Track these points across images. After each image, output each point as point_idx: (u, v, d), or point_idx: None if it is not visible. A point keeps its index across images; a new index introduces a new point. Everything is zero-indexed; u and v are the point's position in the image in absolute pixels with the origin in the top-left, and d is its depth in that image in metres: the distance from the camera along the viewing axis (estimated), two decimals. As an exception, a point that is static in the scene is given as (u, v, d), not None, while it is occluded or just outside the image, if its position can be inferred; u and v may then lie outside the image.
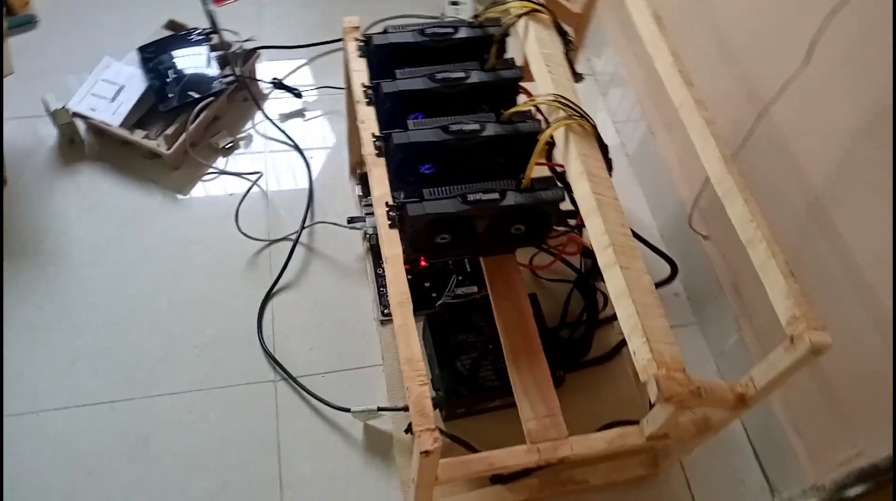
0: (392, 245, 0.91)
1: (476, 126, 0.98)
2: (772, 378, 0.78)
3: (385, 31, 1.08)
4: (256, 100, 1.48)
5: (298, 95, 1.49)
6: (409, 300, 0.87)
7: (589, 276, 1.24)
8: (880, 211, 0.87)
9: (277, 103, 1.50)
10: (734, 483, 1.16)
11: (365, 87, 1.04)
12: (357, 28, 1.10)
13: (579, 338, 1.21)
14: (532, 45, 1.00)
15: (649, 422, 0.90)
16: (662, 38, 0.96)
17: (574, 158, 0.89)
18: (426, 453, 0.78)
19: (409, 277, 1.25)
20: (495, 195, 0.93)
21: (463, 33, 1.07)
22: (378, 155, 0.98)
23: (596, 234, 0.84)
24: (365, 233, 1.30)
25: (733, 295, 1.21)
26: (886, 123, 0.84)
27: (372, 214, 1.27)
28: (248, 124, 1.47)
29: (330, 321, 1.25)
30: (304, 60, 1.58)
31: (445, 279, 1.24)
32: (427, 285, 1.25)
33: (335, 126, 1.49)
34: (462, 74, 1.03)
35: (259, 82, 1.50)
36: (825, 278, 0.96)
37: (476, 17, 1.08)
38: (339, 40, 1.56)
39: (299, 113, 1.49)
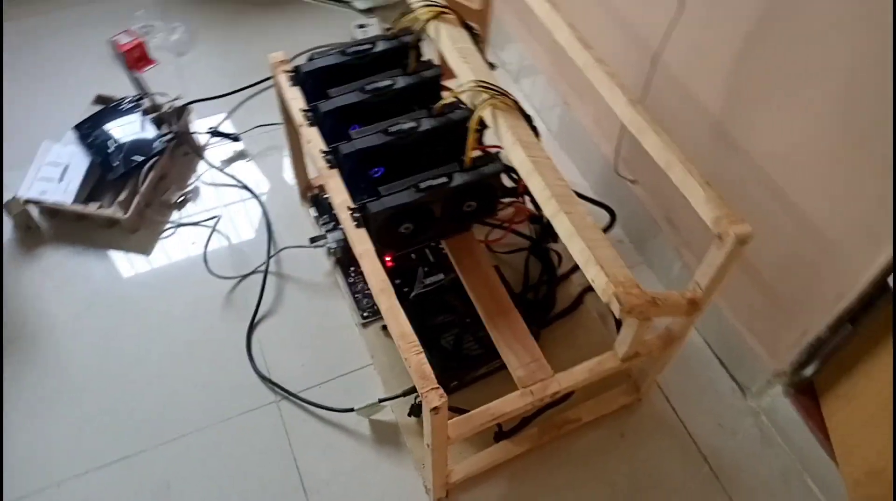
0: (362, 242, 1.00)
1: (413, 124, 1.09)
2: (712, 276, 0.91)
3: (311, 59, 1.18)
4: (197, 151, 1.55)
5: (236, 139, 1.57)
6: (390, 286, 0.96)
7: (540, 240, 1.35)
8: (771, 121, 1.01)
9: (218, 151, 1.58)
10: (708, 391, 1.28)
11: (304, 110, 1.13)
12: (284, 61, 1.19)
13: (544, 297, 1.33)
14: (445, 42, 1.11)
15: (620, 343, 1.02)
16: (556, 12, 1.08)
17: (505, 131, 1.00)
18: (435, 410, 0.87)
19: (379, 278, 1.34)
20: (444, 179, 1.04)
21: (381, 46, 1.18)
22: (330, 167, 1.07)
23: (538, 190, 0.96)
24: (328, 249, 1.38)
25: (669, 228, 1.34)
26: (760, 42, 0.99)
27: (332, 229, 1.37)
28: (194, 176, 1.54)
29: (314, 336, 1.32)
30: (233, 106, 1.66)
31: (413, 274, 1.33)
32: (398, 282, 1.34)
33: (277, 159, 1.57)
34: (389, 82, 1.14)
35: (196, 135, 1.58)
36: (739, 187, 1.10)
37: (389, 30, 1.19)
38: (263, 81, 1.67)
39: (240, 155, 1.57)
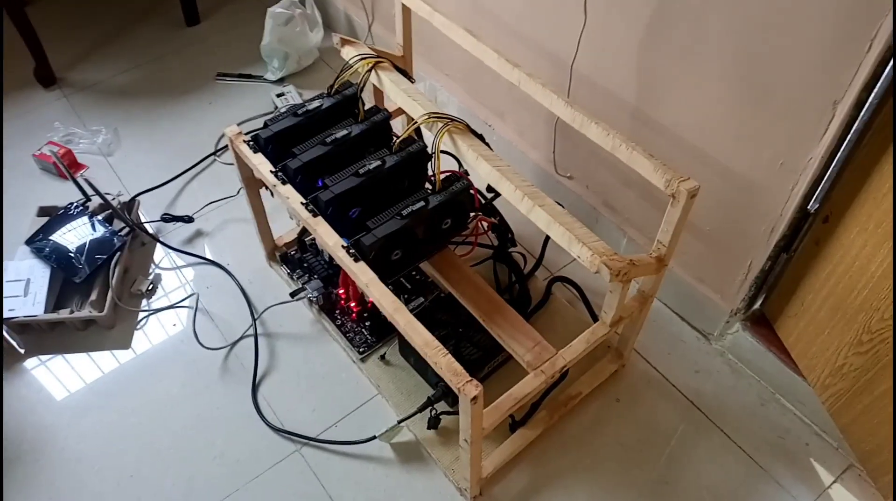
0: (364, 273, 1.09)
1: (378, 162, 1.20)
2: (672, 232, 1.06)
3: (266, 125, 1.27)
4: (155, 239, 1.59)
5: (190, 220, 1.62)
6: (402, 305, 1.06)
7: (503, 246, 1.48)
8: (679, 96, 1.20)
9: (174, 234, 1.62)
10: (677, 345, 1.44)
11: (273, 172, 1.22)
12: (240, 134, 1.28)
13: (519, 295, 1.45)
14: (390, 86, 1.24)
15: (606, 310, 1.16)
16: (480, 42, 1.23)
17: (466, 149, 1.13)
18: (474, 400, 0.96)
19: (365, 314, 1.43)
20: (422, 203, 1.15)
21: (328, 103, 1.29)
22: (314, 215, 1.16)
23: (509, 193, 1.09)
24: (309, 299, 1.45)
25: (608, 211, 1.51)
26: (655, 31, 1.17)
27: (308, 281, 1.45)
28: (155, 263, 1.57)
29: (317, 381, 1.38)
30: (176, 191, 1.71)
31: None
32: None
33: (233, 230, 1.63)
34: (346, 131, 1.24)
35: (148, 224, 1.61)
36: (666, 157, 1.27)
37: (331, 87, 1.30)
38: (200, 162, 1.73)
39: (197, 234, 1.62)
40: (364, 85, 1.27)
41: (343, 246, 1.12)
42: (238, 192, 1.66)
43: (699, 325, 1.45)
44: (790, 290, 1.27)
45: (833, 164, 1.06)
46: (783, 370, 1.32)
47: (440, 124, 1.15)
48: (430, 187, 1.20)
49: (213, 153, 1.78)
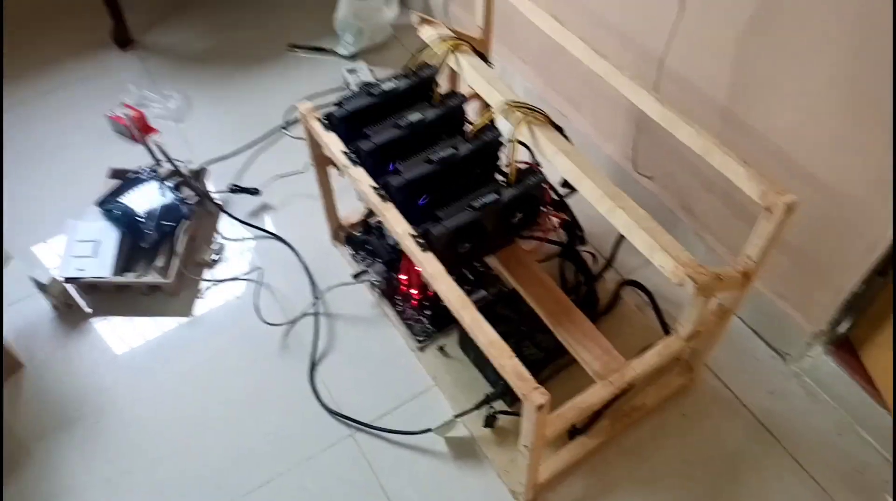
0: (432, 265, 1.06)
1: (451, 150, 1.16)
2: (762, 247, 0.99)
3: (339, 104, 1.23)
4: (223, 209, 1.58)
5: (256, 193, 1.61)
6: (469, 301, 1.02)
7: (571, 244, 1.43)
8: (776, 99, 1.11)
9: (240, 206, 1.62)
10: (751, 363, 1.37)
11: (345, 152, 1.19)
12: (313, 110, 1.25)
13: (586, 296, 1.39)
14: (469, 71, 1.19)
15: (684, 323, 1.09)
16: (566, 28, 1.17)
17: (545, 143, 1.08)
18: (540, 407, 0.92)
19: (426, 303, 1.40)
20: (494, 196, 1.11)
21: (403, 84, 1.25)
22: (384, 201, 1.13)
23: (590, 191, 1.03)
24: (371, 283, 1.43)
25: (687, 215, 1.43)
26: (758, 28, 1.09)
27: (371, 264, 1.42)
28: (220, 233, 1.57)
29: (374, 367, 1.36)
30: (244, 162, 1.70)
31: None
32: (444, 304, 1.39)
33: (299, 206, 1.62)
34: (420, 116, 1.20)
35: (216, 194, 1.61)
36: (755, 165, 1.19)
37: (408, 67, 1.26)
38: (269, 135, 1.72)
39: (263, 207, 1.61)
40: (442, 67, 1.22)
41: (411, 234, 1.08)
42: (305, 168, 1.64)
43: (776, 344, 1.37)
44: (881, 317, 1.18)
45: (950, 186, 0.97)
46: (866, 401, 1.24)
47: (519, 114, 1.10)
48: (503, 179, 1.15)
49: (282, 127, 1.77)
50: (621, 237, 1.37)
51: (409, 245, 1.08)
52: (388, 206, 1.12)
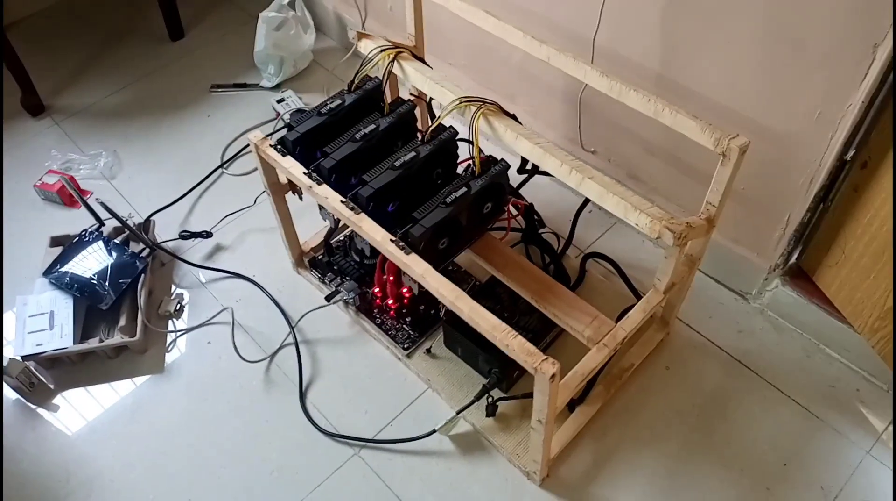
0: (418, 264, 1.08)
1: (412, 153, 1.18)
2: (722, 191, 1.06)
3: (289, 127, 1.24)
4: (177, 257, 1.55)
5: (208, 235, 1.58)
6: (462, 292, 1.04)
7: (533, 228, 1.47)
8: (707, 58, 1.20)
9: (194, 251, 1.58)
10: (717, 308, 1.45)
11: (307, 173, 1.19)
12: (265, 138, 1.25)
13: (556, 275, 1.44)
14: (415, 75, 1.22)
15: (660, 276, 1.15)
16: (502, 22, 1.22)
17: (504, 130, 1.12)
18: (553, 377, 0.95)
19: (404, 310, 1.41)
20: (464, 189, 1.14)
21: (350, 99, 1.26)
22: (357, 213, 1.14)
23: (556, 168, 1.08)
24: (345, 302, 1.43)
25: (634, 182, 1.51)
26: None
27: (341, 283, 1.42)
28: (179, 282, 1.53)
29: (365, 383, 1.36)
30: (189, 207, 1.67)
31: (432, 297, 1.41)
32: (422, 307, 1.41)
33: (254, 241, 1.60)
34: (373, 126, 1.22)
35: (167, 243, 1.57)
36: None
37: (351, 83, 1.28)
38: (208, 177, 1.70)
39: (217, 248, 1.58)
40: (388, 77, 1.24)
41: (392, 240, 1.10)
42: (255, 201, 1.63)
43: (736, 286, 1.46)
44: (829, 240, 1.28)
45: (872, 108, 1.07)
46: (826, 320, 1.34)
47: (473, 108, 1.14)
48: (467, 173, 1.18)
49: (221, 166, 1.74)
50: (578, 214, 1.42)
51: (392, 250, 1.09)
52: (361, 217, 1.13)
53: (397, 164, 1.17)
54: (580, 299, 1.18)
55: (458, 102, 1.15)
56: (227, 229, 1.62)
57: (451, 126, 1.23)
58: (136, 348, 1.40)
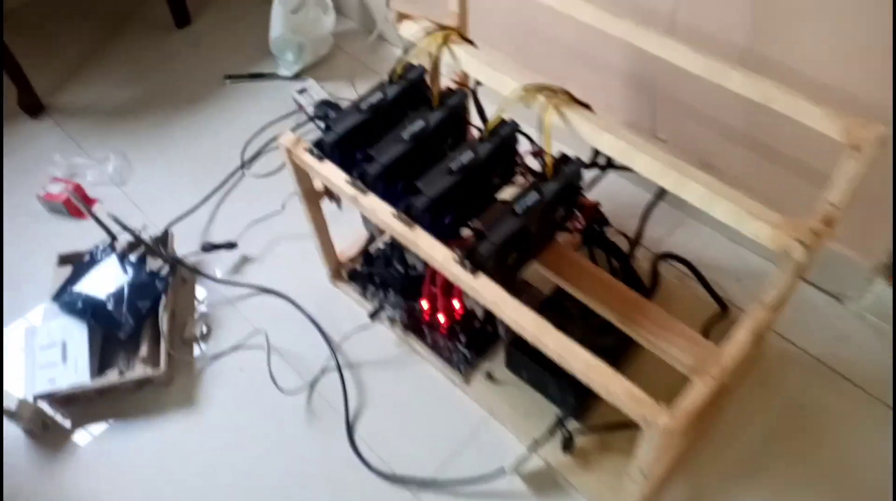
0: (489, 289, 0.91)
1: (470, 154, 1.01)
2: (848, 189, 0.88)
3: (327, 128, 1.07)
4: (202, 273, 1.39)
5: (233, 246, 1.42)
6: (548, 324, 0.88)
7: (594, 228, 1.29)
8: (795, 26, 1.02)
9: (218, 265, 1.42)
10: (809, 312, 1.27)
11: (350, 181, 1.02)
12: (298, 141, 1.08)
13: (628, 281, 1.27)
14: (469, 60, 1.05)
15: (770, 290, 0.98)
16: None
17: (579, 122, 0.95)
18: (669, 430, 0.79)
19: (457, 326, 1.25)
20: (536, 195, 0.97)
21: (392, 92, 1.09)
22: (411, 227, 0.97)
23: (646, 166, 0.91)
24: (390, 319, 1.27)
25: (708, 172, 1.33)
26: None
27: (384, 298, 1.26)
28: (204, 301, 1.38)
29: (418, 412, 1.21)
30: (210, 214, 1.51)
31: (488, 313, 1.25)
32: (478, 325, 1.25)
33: (284, 250, 1.43)
34: (422, 123, 1.05)
35: (188, 257, 1.42)
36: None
37: (393, 72, 1.11)
38: (228, 179, 1.53)
39: (244, 261, 1.42)
40: (437, 64, 1.07)
41: (455, 259, 0.93)
42: (283, 206, 1.46)
43: (832, 288, 1.29)
44: (952, 235, 1.11)
45: None
46: (942, 324, 1.17)
47: (542, 97, 0.97)
48: (535, 173, 1.01)
49: (241, 166, 1.58)
50: (648, 211, 1.25)
51: (456, 272, 0.93)
52: (417, 233, 0.97)
53: (454, 167, 1.00)
54: (674, 318, 1.02)
55: (521, 91, 0.98)
56: (254, 237, 1.46)
57: (511, 119, 1.05)
58: (161, 380, 1.25)
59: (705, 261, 1.33)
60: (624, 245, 1.32)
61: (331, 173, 1.04)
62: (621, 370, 1.15)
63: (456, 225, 1.05)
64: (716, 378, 0.93)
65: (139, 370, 1.23)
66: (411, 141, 1.04)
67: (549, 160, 0.98)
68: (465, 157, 1.01)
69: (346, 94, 1.70)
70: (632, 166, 0.93)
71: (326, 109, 1.60)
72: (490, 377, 1.21)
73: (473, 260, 0.93)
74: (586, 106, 1.00)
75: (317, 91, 1.67)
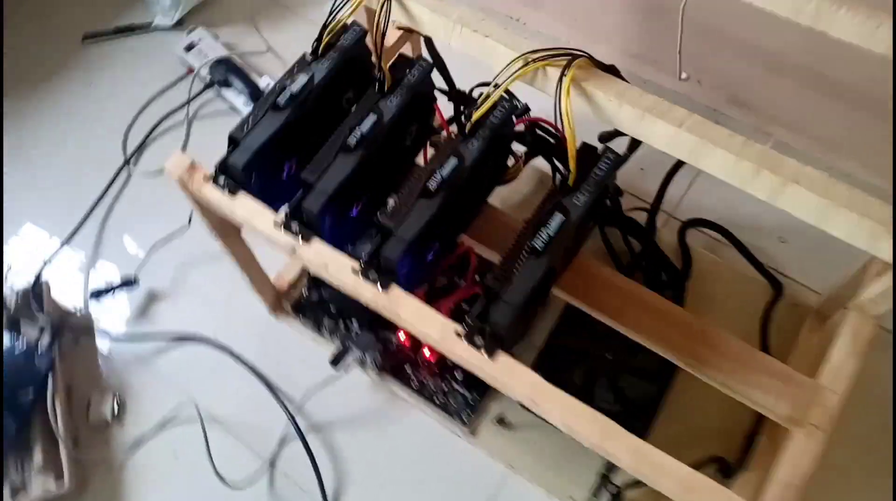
0: (525, 377, 0.62)
1: (454, 161, 0.69)
2: None
3: (234, 142, 0.72)
4: (95, 329, 1.05)
5: (133, 282, 1.07)
6: (615, 425, 0.61)
7: (614, 204, 1.00)
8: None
9: (118, 312, 1.08)
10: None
11: (283, 222, 0.69)
12: (194, 167, 0.73)
13: (656, 262, 1.00)
14: (433, 19, 0.70)
15: (877, 301, 0.73)
16: None
17: (607, 100, 0.65)
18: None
19: (448, 363, 0.97)
20: (561, 218, 0.66)
21: (321, 71, 0.74)
22: (385, 288, 0.66)
23: (722, 166, 0.63)
24: (360, 363, 0.97)
25: (739, 110, 1.05)
26: None
27: (347, 335, 0.97)
28: (108, 366, 1.04)
29: (414, 480, 0.94)
30: (92, 241, 1.14)
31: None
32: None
33: (202, 277, 1.10)
34: (374, 117, 0.72)
35: (77, 312, 1.07)
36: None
37: (317, 42, 0.75)
38: (113, 182, 1.18)
39: (151, 299, 1.08)
40: (386, 28, 0.72)
41: (457, 333, 0.63)
42: (190, 220, 1.11)
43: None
44: None
45: None
46: None
47: (555, 71, 0.65)
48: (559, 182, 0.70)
49: (126, 163, 1.19)
50: (669, 177, 0.95)
51: (466, 356, 0.63)
52: (398, 297, 0.66)
53: (431, 185, 0.67)
54: (755, 349, 0.75)
55: (522, 61, 0.66)
56: (158, 265, 1.10)
57: (506, 95, 0.72)
58: (69, 493, 0.93)
59: (735, 221, 1.06)
60: (638, 216, 1.04)
61: (251, 213, 0.70)
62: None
63: (438, 259, 0.74)
64: (821, 428, 0.69)
65: (37, 488, 0.91)
66: (362, 147, 0.70)
67: (573, 165, 0.66)
68: (449, 166, 0.68)
69: (251, 43, 1.30)
70: (701, 166, 0.64)
71: (226, 73, 1.22)
72: (502, 421, 0.94)
73: (485, 333, 0.63)
74: (611, 69, 0.68)
75: (210, 45, 1.26)
